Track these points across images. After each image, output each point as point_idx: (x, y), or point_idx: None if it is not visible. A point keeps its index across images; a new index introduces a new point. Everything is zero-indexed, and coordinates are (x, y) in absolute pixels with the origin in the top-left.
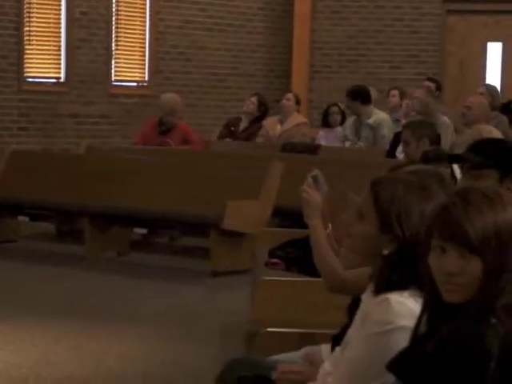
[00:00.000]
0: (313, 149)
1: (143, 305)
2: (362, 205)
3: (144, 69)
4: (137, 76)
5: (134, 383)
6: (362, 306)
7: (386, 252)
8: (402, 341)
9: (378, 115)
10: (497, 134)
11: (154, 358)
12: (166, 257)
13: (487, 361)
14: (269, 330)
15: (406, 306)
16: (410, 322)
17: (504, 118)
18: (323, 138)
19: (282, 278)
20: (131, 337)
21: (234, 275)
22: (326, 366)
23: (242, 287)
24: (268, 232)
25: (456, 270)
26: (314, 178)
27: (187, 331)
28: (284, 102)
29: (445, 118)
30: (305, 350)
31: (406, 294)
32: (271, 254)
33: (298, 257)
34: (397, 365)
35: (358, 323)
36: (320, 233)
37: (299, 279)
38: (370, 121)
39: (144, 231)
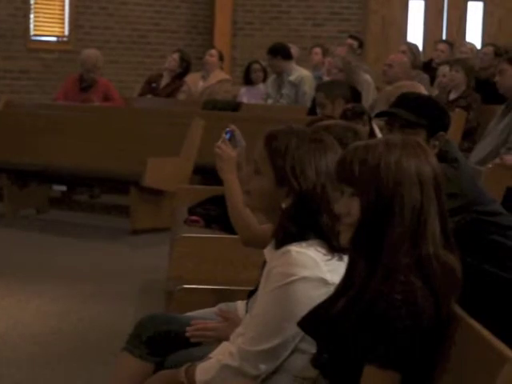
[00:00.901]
0: (235, 106)
1: (62, 262)
2: (258, 160)
3: (64, 23)
4: (56, 31)
5: (50, 340)
6: (267, 262)
7: (284, 205)
8: (306, 291)
9: (300, 72)
10: (421, 89)
11: (70, 315)
12: (85, 214)
13: (395, 317)
14: (185, 286)
15: (307, 256)
16: (312, 271)
17: (425, 76)
18: (245, 95)
19: (200, 235)
20: (49, 294)
21: (154, 233)
22: (239, 328)
23: (161, 245)
24: (188, 189)
25: (343, 210)
26: (231, 134)
27: (106, 289)
28: (207, 57)
29: (366, 76)
30: (220, 306)
31: (306, 243)
32: (191, 212)
33: (217, 214)
34: (307, 322)
35: (263, 280)
36: (234, 187)
37: (217, 236)
38: (292, 78)
39: (63, 188)
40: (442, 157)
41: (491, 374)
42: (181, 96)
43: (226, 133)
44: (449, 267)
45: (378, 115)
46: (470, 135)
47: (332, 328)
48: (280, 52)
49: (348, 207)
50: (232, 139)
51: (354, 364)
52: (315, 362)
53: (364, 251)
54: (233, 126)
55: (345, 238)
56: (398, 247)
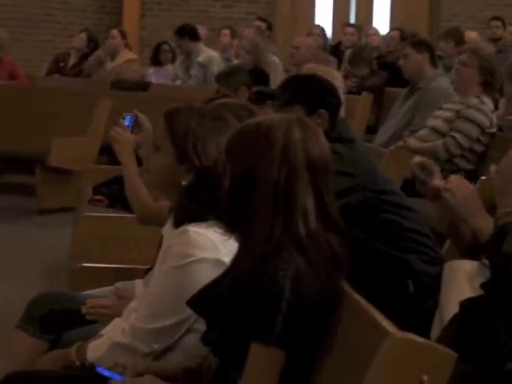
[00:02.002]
0: (143, 86)
1: None
2: (158, 137)
3: None
4: None
5: None
6: (164, 239)
7: (184, 183)
8: (203, 273)
9: (208, 53)
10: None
11: None
12: None
13: (279, 294)
14: (84, 265)
15: (206, 237)
16: (210, 253)
17: (333, 60)
18: (153, 75)
19: (102, 214)
20: None
21: (61, 213)
22: (133, 303)
23: (67, 225)
24: (94, 169)
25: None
26: (134, 118)
27: (8, 268)
28: (110, 40)
29: (274, 58)
30: (117, 285)
31: (204, 224)
32: (96, 191)
33: (121, 193)
34: (196, 301)
35: (160, 257)
36: (130, 168)
37: (118, 215)
38: (200, 59)
39: None
40: (337, 137)
41: (372, 349)
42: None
43: (124, 117)
44: (330, 246)
45: (258, 95)
46: None
47: (219, 306)
48: (187, 33)
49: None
50: (136, 123)
51: (242, 342)
52: (204, 339)
53: (237, 226)
54: (135, 111)
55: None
56: (270, 224)
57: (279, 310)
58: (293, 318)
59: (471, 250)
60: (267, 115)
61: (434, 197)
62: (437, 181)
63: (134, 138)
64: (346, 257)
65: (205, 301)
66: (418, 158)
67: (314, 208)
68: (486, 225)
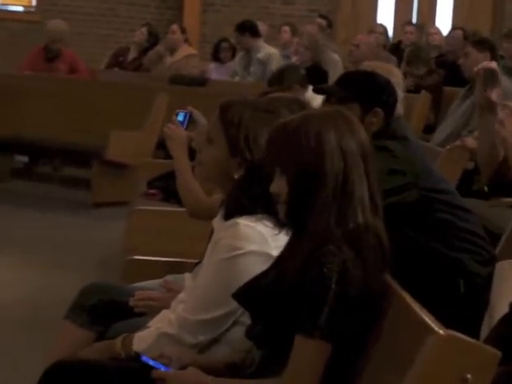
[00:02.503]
0: (201, 81)
1: (22, 233)
2: (211, 129)
3: None
4: (24, 1)
5: (5, 309)
6: (214, 232)
7: (236, 176)
8: (251, 266)
9: (268, 50)
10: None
11: (28, 284)
12: (47, 186)
13: (326, 287)
14: (135, 257)
15: (256, 230)
16: (259, 246)
17: (393, 58)
18: (214, 71)
19: (154, 208)
20: (7, 263)
21: (116, 207)
22: (181, 295)
23: (122, 219)
24: (151, 163)
25: (275, 190)
26: (188, 115)
27: (64, 260)
28: (169, 35)
29: (334, 55)
30: (166, 278)
31: (255, 218)
32: (150, 185)
33: (176, 188)
34: (242, 294)
35: (210, 250)
36: (183, 163)
37: (170, 209)
38: (260, 55)
39: (25, 159)
40: (392, 135)
41: (417, 346)
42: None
43: (177, 114)
44: (379, 239)
45: (314, 91)
46: None
47: (264, 299)
48: (248, 29)
49: (279, 187)
50: (191, 119)
51: (286, 335)
52: (249, 333)
53: (296, 225)
54: (189, 107)
55: (282, 215)
56: (326, 217)
57: (325, 302)
58: (338, 310)
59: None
60: (301, 116)
61: (483, 107)
62: (494, 95)
63: (187, 135)
64: (389, 249)
65: (251, 294)
66: (494, 65)
67: (368, 199)
68: None
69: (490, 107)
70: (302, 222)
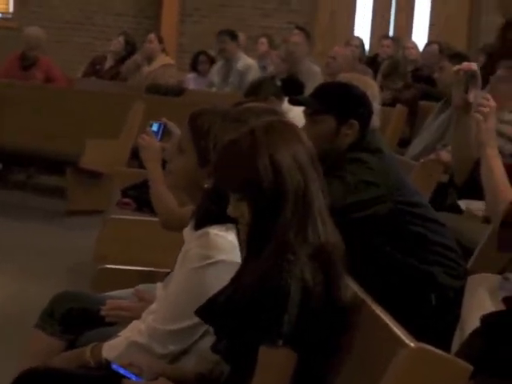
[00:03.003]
0: (178, 91)
1: None
2: (182, 139)
3: (8, 0)
4: (1, 7)
5: None
6: (185, 242)
7: (206, 186)
8: (221, 275)
9: (247, 61)
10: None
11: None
12: (21, 194)
13: (285, 295)
14: (107, 266)
15: (226, 240)
16: (229, 255)
17: (369, 71)
18: (192, 80)
19: (127, 217)
20: None
21: (90, 215)
22: (153, 305)
23: (96, 227)
24: (125, 172)
25: (234, 215)
26: (163, 125)
27: (36, 268)
28: (147, 45)
29: (314, 66)
30: (138, 287)
31: (225, 227)
32: (124, 194)
33: (149, 198)
34: (204, 309)
35: (180, 259)
36: (156, 174)
37: (143, 218)
38: (239, 66)
39: None
40: (366, 147)
41: (388, 358)
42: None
43: (151, 125)
44: (338, 249)
45: (290, 102)
46: None
47: (224, 314)
48: (228, 33)
49: (239, 211)
50: (166, 131)
51: (251, 347)
52: (215, 348)
53: (259, 243)
54: (164, 119)
55: (243, 236)
56: (287, 230)
57: (285, 309)
58: (300, 317)
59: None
60: (248, 137)
61: (459, 106)
62: (472, 96)
63: (161, 145)
64: (347, 257)
65: (212, 309)
66: (474, 66)
67: (324, 208)
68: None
69: (466, 108)
70: (264, 239)
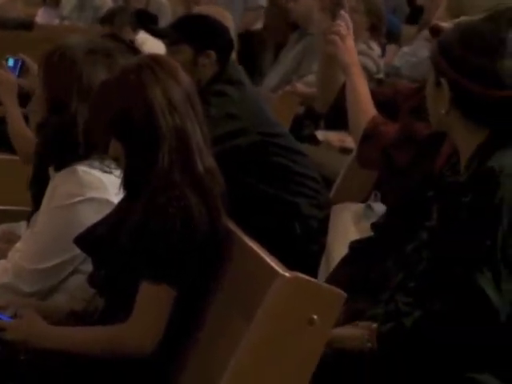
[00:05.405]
0: (27, 25)
1: None
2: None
3: None
4: None
5: None
6: (50, 179)
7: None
8: (92, 212)
9: None
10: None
11: None
12: None
13: (170, 232)
14: None
15: (95, 177)
16: (98, 193)
17: None
18: (43, 15)
19: None
20: None
21: None
22: (18, 244)
23: None
24: None
25: (114, 155)
26: (20, 62)
27: None
28: None
29: None
30: (2, 227)
31: (90, 163)
32: None
33: (5, 135)
34: (83, 239)
35: (46, 197)
36: (13, 109)
37: (3, 157)
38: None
39: None
40: (227, 79)
41: (262, 288)
42: None
43: (7, 59)
44: (218, 182)
45: (147, 31)
46: None
47: (108, 244)
48: None
49: (116, 150)
50: (23, 67)
51: (130, 281)
52: (91, 279)
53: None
54: (21, 55)
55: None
56: (167, 167)
57: (169, 245)
58: (183, 254)
59: None
60: (118, 80)
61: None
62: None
63: (17, 81)
64: (226, 192)
65: (93, 239)
66: None
67: (203, 143)
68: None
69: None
70: (143, 179)
